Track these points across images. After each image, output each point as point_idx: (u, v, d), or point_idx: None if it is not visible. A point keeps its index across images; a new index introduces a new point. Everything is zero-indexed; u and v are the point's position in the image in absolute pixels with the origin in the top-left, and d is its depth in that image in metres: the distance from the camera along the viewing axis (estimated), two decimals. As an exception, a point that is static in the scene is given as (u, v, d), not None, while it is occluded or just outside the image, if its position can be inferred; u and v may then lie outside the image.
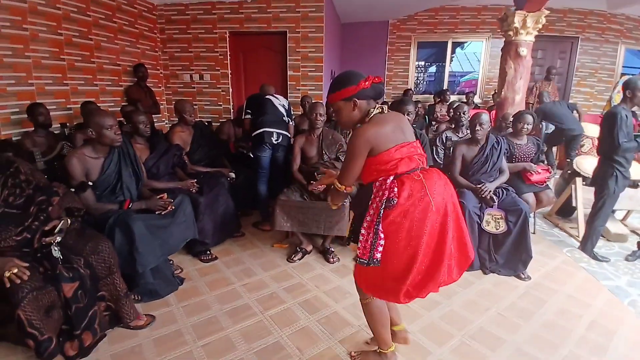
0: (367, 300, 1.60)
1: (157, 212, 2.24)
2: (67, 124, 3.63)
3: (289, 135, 3.32)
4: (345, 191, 1.52)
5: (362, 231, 1.41)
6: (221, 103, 5.35)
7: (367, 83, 1.44)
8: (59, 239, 1.74)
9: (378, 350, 1.72)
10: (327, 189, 1.65)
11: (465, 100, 6.21)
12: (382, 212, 1.37)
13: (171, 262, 2.50)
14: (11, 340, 1.82)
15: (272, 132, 3.11)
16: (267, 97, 3.31)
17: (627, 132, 2.71)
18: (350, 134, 1.51)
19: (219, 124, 4.72)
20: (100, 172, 2.17)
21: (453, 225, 1.43)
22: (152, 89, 4.82)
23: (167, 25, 5.21)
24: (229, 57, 5.19)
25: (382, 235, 1.37)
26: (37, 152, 2.38)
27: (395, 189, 1.39)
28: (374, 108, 1.48)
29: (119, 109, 4.08)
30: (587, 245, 3.05)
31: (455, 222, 1.45)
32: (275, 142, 3.14)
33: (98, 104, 3.80)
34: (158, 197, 2.30)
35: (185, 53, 5.27)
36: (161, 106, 5.22)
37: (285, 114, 3.33)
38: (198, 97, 5.35)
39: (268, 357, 1.78)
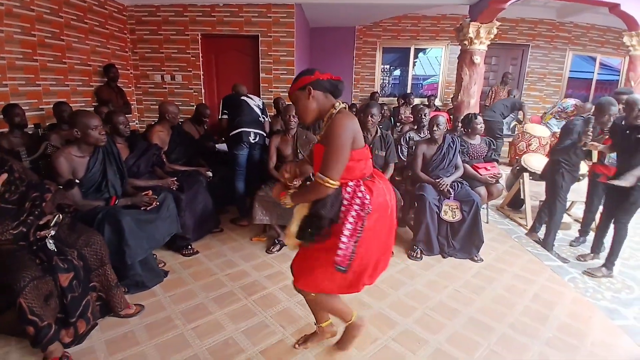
0: (312, 295, 1.62)
1: (142, 208, 2.36)
2: (41, 125, 3.60)
3: (265, 135, 3.51)
4: (327, 185, 1.36)
5: (344, 239, 1.39)
6: (193, 103, 5.41)
7: (323, 76, 1.45)
8: (53, 232, 1.84)
9: (346, 325, 1.75)
10: (304, 192, 1.49)
11: (427, 103, 6.64)
12: (365, 222, 1.40)
13: (154, 255, 2.62)
14: (5, 332, 1.89)
15: (250, 132, 3.29)
16: (242, 98, 3.48)
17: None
18: (329, 123, 1.42)
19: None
20: (86, 170, 2.26)
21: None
22: (123, 89, 4.82)
23: (137, 26, 5.22)
24: (201, 59, 5.29)
25: (359, 242, 1.42)
26: (22, 151, 2.43)
27: (368, 197, 1.42)
28: (338, 103, 1.47)
29: (92, 109, 4.09)
30: (547, 240, 3.32)
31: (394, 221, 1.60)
32: (252, 142, 3.32)
33: (70, 105, 3.80)
34: (143, 193, 2.43)
35: (156, 54, 5.31)
36: (131, 106, 5.22)
37: (260, 113, 3.51)
38: (169, 97, 5.39)
39: (255, 334, 1.98)
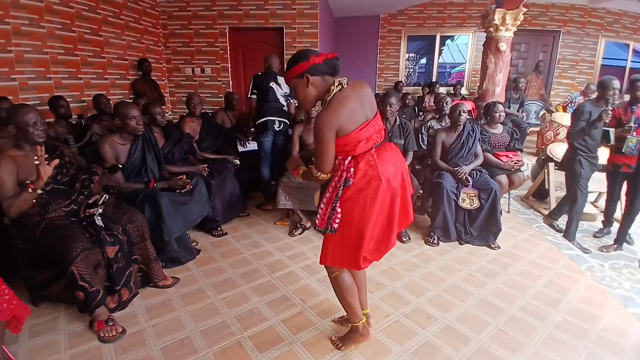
0: (335, 274, 1.68)
1: (177, 191, 2.59)
2: (83, 115, 3.93)
3: (288, 123, 3.67)
4: (321, 177, 1.54)
5: (322, 205, 1.53)
6: (222, 95, 5.64)
7: (318, 59, 1.44)
8: (100, 210, 2.09)
9: (350, 326, 1.82)
10: (306, 175, 1.64)
11: (453, 92, 6.57)
12: (340, 192, 1.48)
13: (188, 235, 2.86)
14: (54, 300, 2.17)
15: (275, 121, 3.47)
16: (270, 84, 3.56)
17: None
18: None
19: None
20: (128, 156, 2.51)
21: (400, 194, 1.58)
22: (157, 82, 5.12)
23: (169, 21, 5.49)
24: (228, 52, 5.51)
25: (339, 210, 1.49)
26: (71, 139, 2.71)
27: (352, 169, 1.47)
28: (334, 86, 1.46)
29: (129, 101, 4.39)
30: (568, 230, 3.30)
31: (402, 190, 1.60)
32: (277, 129, 3.49)
33: (108, 97, 4.10)
34: (177, 177, 2.66)
35: (186, 47, 5.57)
36: (165, 98, 5.52)
37: (284, 103, 3.63)
38: (200, 89, 5.66)
39: (277, 306, 2.17)
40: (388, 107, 3.00)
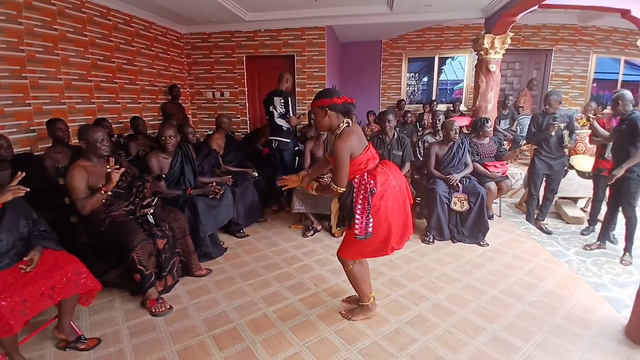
0: (350, 267, 2.11)
1: (210, 197, 3.09)
2: (122, 135, 4.50)
3: (287, 141, 4.19)
4: (339, 191, 1.89)
5: (357, 216, 1.85)
6: (239, 116, 6.25)
7: (339, 100, 1.86)
8: (152, 210, 2.58)
9: (360, 304, 2.26)
10: (324, 189, 2.03)
11: (452, 108, 7.02)
12: (370, 202, 1.84)
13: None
14: (108, 285, 2.63)
15: (272, 140, 4.13)
16: (271, 110, 4.14)
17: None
18: (333, 143, 1.92)
19: (237, 134, 5.59)
20: (169, 168, 3.02)
21: (402, 200, 1.99)
22: (183, 105, 5.72)
23: (192, 50, 6.15)
24: (245, 77, 6.12)
25: (371, 219, 1.85)
26: (122, 153, 3.25)
27: (372, 182, 1.85)
28: (343, 123, 1.90)
29: (160, 122, 4.98)
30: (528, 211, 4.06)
31: (403, 197, 2.01)
32: (274, 147, 4.13)
33: (143, 119, 4.68)
34: (209, 184, 3.16)
35: (208, 74, 6.21)
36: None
37: (283, 123, 4.15)
38: (219, 111, 6.24)
39: (295, 289, 2.62)
40: (387, 123, 3.49)
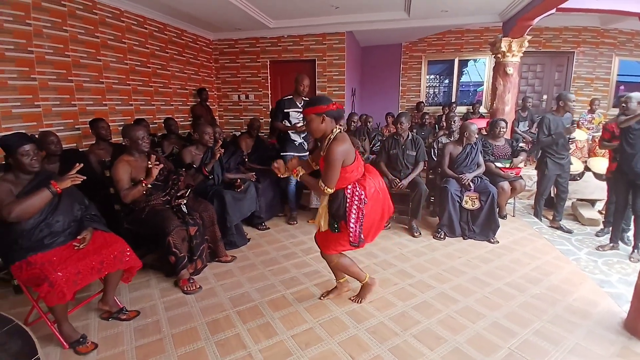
0: (335, 261, 2.32)
1: (237, 190, 3.38)
2: (156, 134, 4.88)
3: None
4: (326, 191, 2.00)
5: (352, 226, 2.02)
6: (262, 117, 6.55)
7: (333, 106, 2.00)
8: (185, 200, 2.89)
9: (361, 285, 2.47)
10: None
11: (472, 110, 7.09)
12: (363, 211, 2.02)
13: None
14: (146, 267, 2.88)
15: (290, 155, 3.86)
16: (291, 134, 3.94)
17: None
18: (328, 146, 2.00)
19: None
20: (200, 162, 3.33)
21: (382, 193, 2.16)
22: (211, 107, 6.10)
23: (220, 56, 6.54)
24: (269, 81, 6.45)
25: (361, 227, 2.05)
26: (159, 150, 3.59)
27: (363, 192, 2.02)
28: (336, 128, 2.04)
29: (189, 123, 5.35)
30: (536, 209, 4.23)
31: (382, 190, 2.18)
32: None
33: (175, 120, 5.06)
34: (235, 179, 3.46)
35: (234, 78, 6.58)
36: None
37: (301, 139, 4.02)
38: (244, 112, 6.60)
39: (310, 276, 2.86)
40: (399, 125, 3.69)
